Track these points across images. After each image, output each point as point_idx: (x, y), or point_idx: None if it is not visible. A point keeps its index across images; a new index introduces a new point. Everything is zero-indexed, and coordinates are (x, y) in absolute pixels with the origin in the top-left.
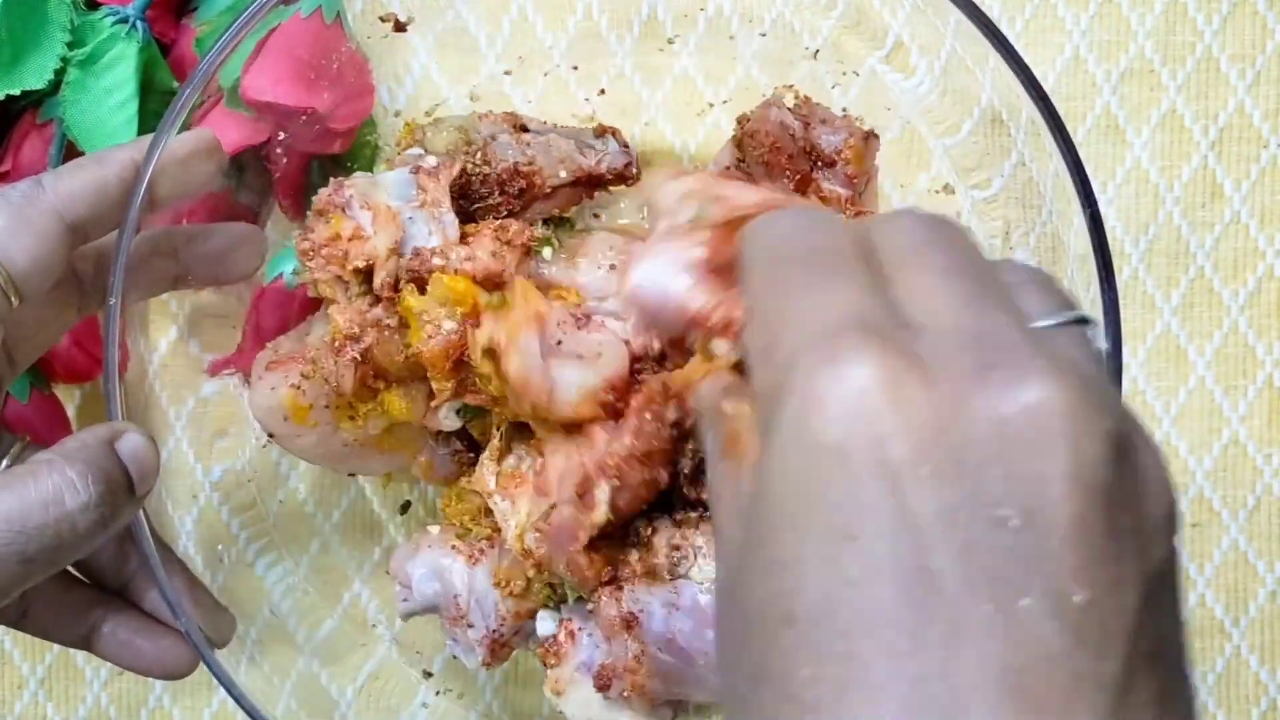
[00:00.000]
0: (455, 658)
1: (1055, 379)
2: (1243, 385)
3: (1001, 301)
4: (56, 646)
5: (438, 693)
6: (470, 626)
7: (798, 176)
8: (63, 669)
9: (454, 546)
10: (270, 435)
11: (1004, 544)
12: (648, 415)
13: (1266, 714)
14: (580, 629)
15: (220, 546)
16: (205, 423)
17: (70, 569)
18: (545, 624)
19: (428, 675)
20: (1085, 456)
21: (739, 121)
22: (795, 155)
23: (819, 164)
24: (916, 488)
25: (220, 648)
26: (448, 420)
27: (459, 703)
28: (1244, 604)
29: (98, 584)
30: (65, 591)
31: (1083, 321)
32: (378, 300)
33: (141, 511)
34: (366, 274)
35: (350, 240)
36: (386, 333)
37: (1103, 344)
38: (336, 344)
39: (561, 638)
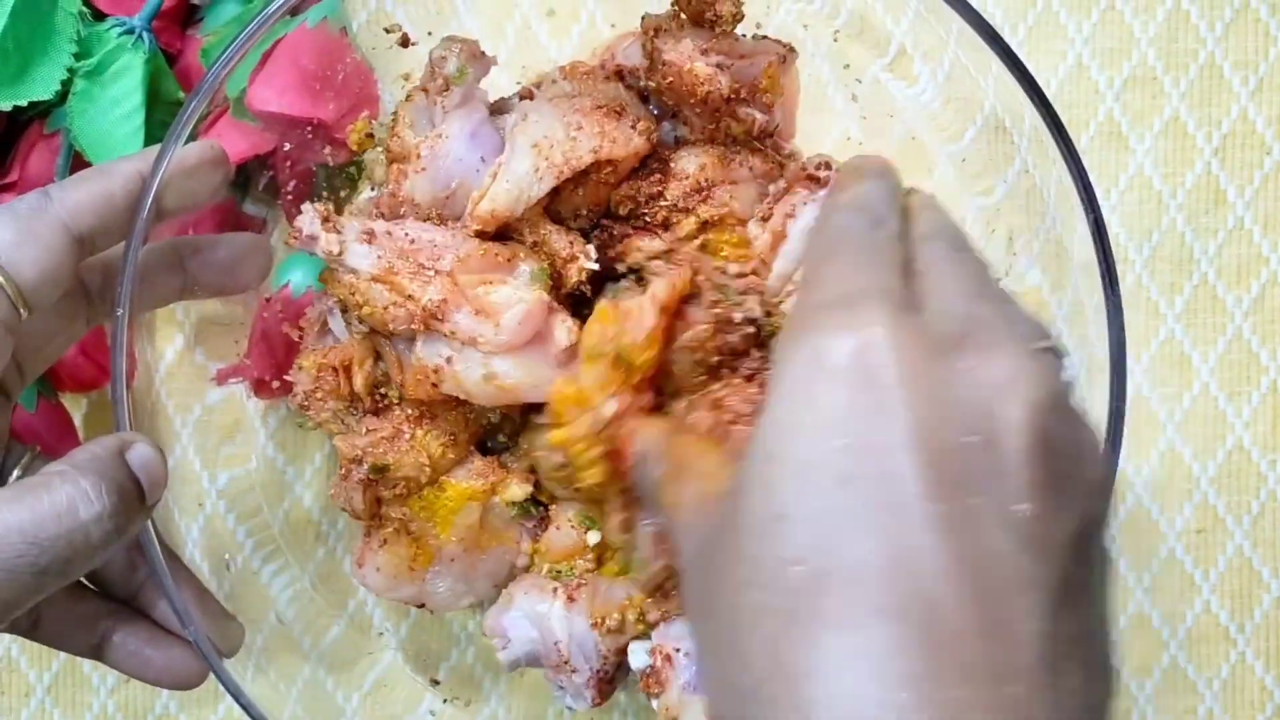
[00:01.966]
0: (566, 708)
1: (1028, 358)
2: (1247, 391)
3: (996, 302)
4: (63, 654)
5: (445, 700)
6: (574, 671)
7: (715, 116)
8: (69, 676)
9: (554, 589)
10: (420, 606)
11: (965, 458)
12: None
13: None
14: (676, 650)
15: (227, 554)
16: (211, 430)
17: (81, 579)
18: (638, 656)
19: (434, 683)
20: (1041, 407)
21: (647, 55)
22: (718, 106)
23: (738, 98)
24: (898, 405)
25: (229, 657)
26: (519, 490)
27: (465, 710)
28: (1249, 610)
29: (107, 594)
30: (76, 602)
31: (1059, 351)
32: (375, 408)
33: (150, 522)
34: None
35: (338, 372)
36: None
37: (1072, 373)
38: (343, 470)
39: (658, 664)
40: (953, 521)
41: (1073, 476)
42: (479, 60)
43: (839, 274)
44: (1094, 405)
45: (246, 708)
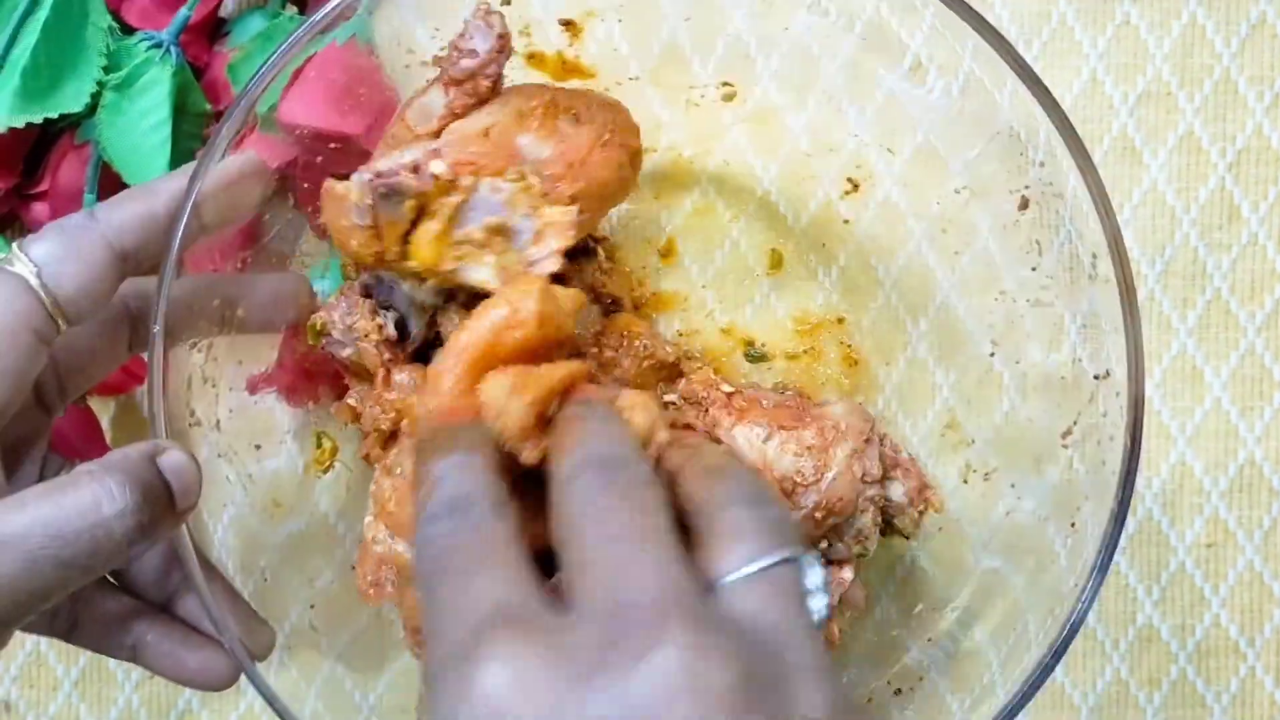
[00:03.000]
0: None
1: (679, 642)
2: (1259, 406)
3: (670, 564)
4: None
5: None
6: None
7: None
8: (95, 672)
9: None
10: None
11: None
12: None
13: None
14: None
15: (252, 555)
16: (239, 434)
17: (114, 584)
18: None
19: None
20: (703, 708)
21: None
22: None
23: None
24: None
25: (261, 660)
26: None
27: None
28: (1259, 624)
29: (142, 599)
30: (112, 605)
31: (789, 561)
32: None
33: (185, 529)
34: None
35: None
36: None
37: (821, 575)
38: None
39: None
40: None
41: None
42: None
43: (449, 597)
44: (1112, 419)
45: (282, 714)
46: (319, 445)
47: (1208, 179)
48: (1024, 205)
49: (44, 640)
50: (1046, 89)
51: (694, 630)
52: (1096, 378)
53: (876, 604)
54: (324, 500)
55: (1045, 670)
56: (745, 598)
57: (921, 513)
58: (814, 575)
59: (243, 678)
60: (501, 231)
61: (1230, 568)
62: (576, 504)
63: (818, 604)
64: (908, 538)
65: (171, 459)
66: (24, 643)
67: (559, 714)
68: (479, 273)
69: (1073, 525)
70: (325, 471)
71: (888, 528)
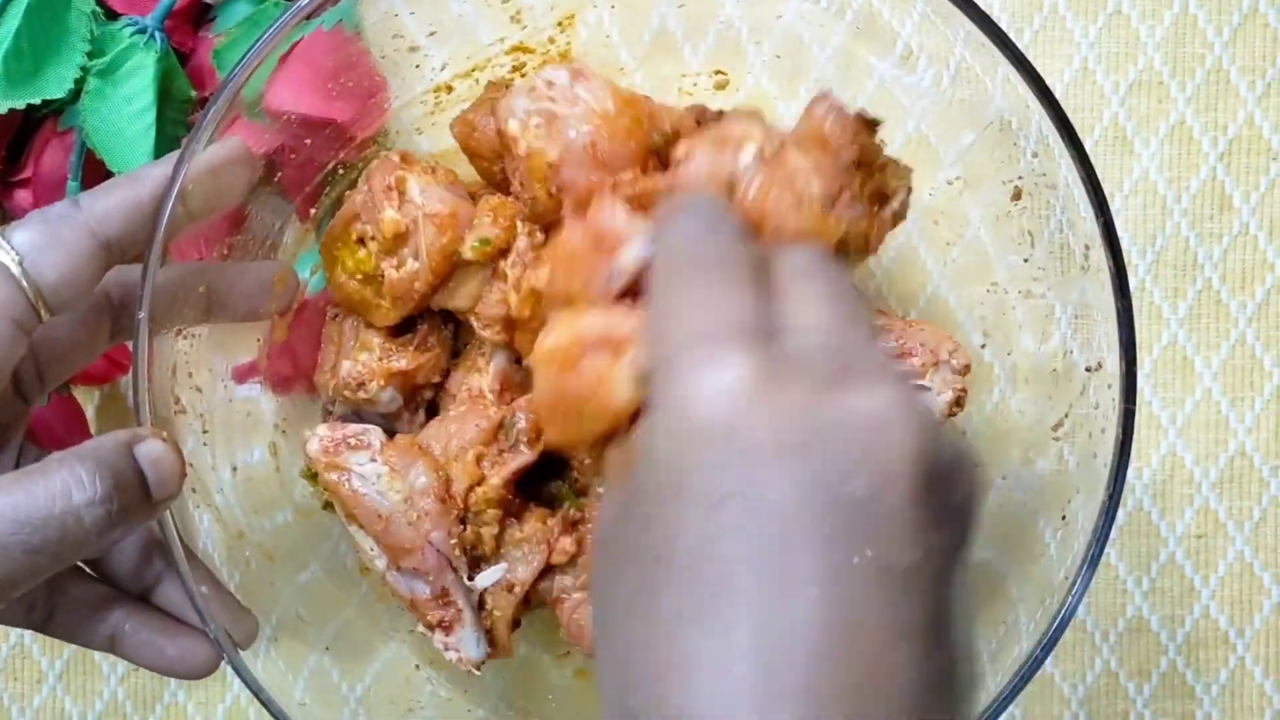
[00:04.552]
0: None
1: (901, 390)
2: (1249, 397)
3: (866, 328)
4: None
5: (448, 694)
6: None
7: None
8: (80, 664)
9: None
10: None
11: (846, 512)
12: None
13: None
14: None
15: (238, 544)
16: (224, 424)
17: (91, 574)
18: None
19: (439, 668)
20: (922, 447)
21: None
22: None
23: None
24: (772, 464)
25: (244, 649)
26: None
27: (466, 698)
28: (1249, 615)
29: (120, 589)
30: (89, 595)
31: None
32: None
33: (170, 519)
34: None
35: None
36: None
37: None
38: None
39: None
40: (832, 581)
41: (949, 507)
42: None
43: (690, 303)
44: (1103, 410)
45: (268, 704)
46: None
47: (1199, 169)
48: (1017, 196)
49: (27, 633)
50: (1040, 78)
51: (901, 391)
52: (1088, 369)
53: None
54: (310, 491)
55: (1035, 662)
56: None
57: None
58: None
59: (229, 670)
60: None
61: (1220, 559)
62: (808, 264)
63: None
64: None
65: (149, 448)
66: (8, 635)
67: (788, 416)
68: None
69: (1063, 517)
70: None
71: None
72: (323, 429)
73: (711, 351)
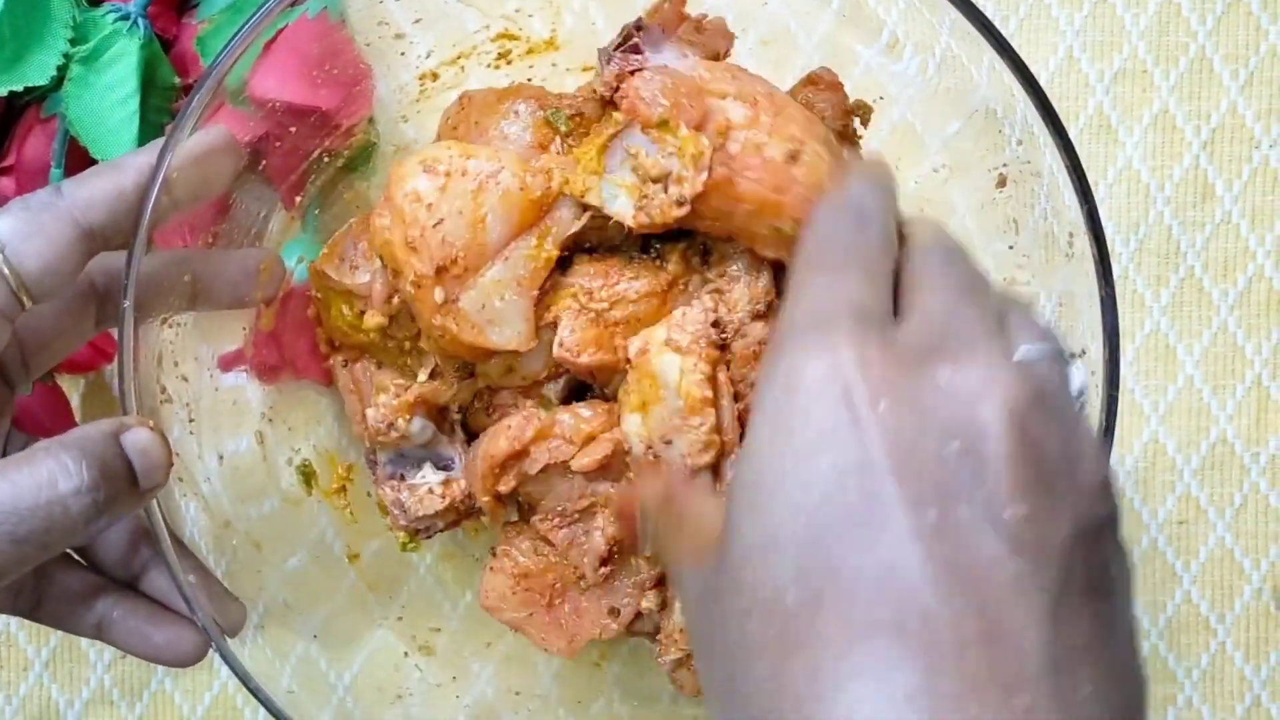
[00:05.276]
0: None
1: (1001, 361)
2: (1231, 384)
3: (987, 314)
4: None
5: (437, 681)
6: None
7: None
8: (67, 651)
9: None
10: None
11: (945, 467)
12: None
13: (1251, 710)
14: None
15: (225, 533)
16: (210, 412)
17: (79, 561)
18: None
19: (428, 655)
20: (1019, 409)
21: None
22: None
23: None
24: (874, 420)
25: (232, 636)
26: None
27: (455, 685)
28: (1230, 601)
29: (108, 577)
30: (77, 583)
31: (1061, 357)
32: None
33: (157, 507)
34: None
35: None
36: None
37: (1082, 379)
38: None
39: None
40: (939, 530)
41: (1066, 476)
42: None
43: (818, 287)
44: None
45: (255, 692)
46: (307, 481)
47: (1182, 157)
48: (1002, 183)
49: (14, 621)
50: (1025, 66)
51: (1005, 361)
52: (1072, 356)
53: None
54: (296, 480)
55: None
56: (1030, 360)
57: None
58: (1079, 377)
59: (216, 658)
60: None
61: (1201, 545)
62: (930, 238)
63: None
64: None
65: (136, 437)
66: None
67: (896, 388)
68: (618, 203)
69: None
70: (339, 498)
71: None
72: (388, 503)
73: (827, 331)
